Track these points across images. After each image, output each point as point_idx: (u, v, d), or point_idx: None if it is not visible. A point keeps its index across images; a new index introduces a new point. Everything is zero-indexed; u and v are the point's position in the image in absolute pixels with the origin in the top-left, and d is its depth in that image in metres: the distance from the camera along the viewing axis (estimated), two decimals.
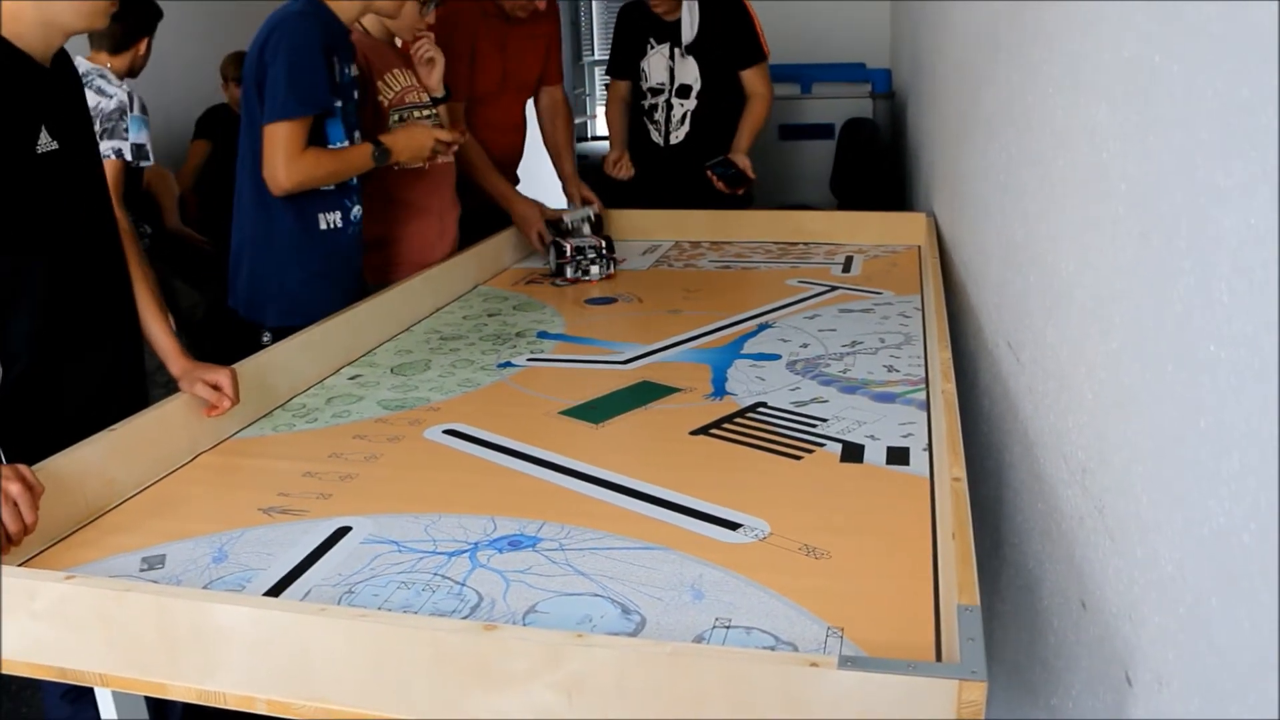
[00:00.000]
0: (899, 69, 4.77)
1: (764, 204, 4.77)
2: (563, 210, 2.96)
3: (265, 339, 2.18)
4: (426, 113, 2.58)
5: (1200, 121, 0.77)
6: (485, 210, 3.08)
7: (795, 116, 4.83)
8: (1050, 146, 1.31)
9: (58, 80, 1.68)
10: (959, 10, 2.39)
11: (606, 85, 3.58)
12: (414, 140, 2.36)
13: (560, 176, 3.26)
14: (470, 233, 2.84)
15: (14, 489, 1.28)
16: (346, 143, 2.27)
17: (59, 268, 1.66)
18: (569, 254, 2.67)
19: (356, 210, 2.35)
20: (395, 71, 2.55)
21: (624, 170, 3.23)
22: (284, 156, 2.14)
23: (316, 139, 2.21)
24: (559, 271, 2.70)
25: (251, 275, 2.28)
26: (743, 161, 3.19)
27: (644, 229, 3.12)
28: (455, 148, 2.46)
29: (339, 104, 2.23)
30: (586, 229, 2.84)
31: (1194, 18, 0.78)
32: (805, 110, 4.84)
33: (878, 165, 4.44)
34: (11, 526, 1.27)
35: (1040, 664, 1.30)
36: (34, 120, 1.59)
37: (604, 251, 2.70)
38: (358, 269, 2.43)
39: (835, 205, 4.50)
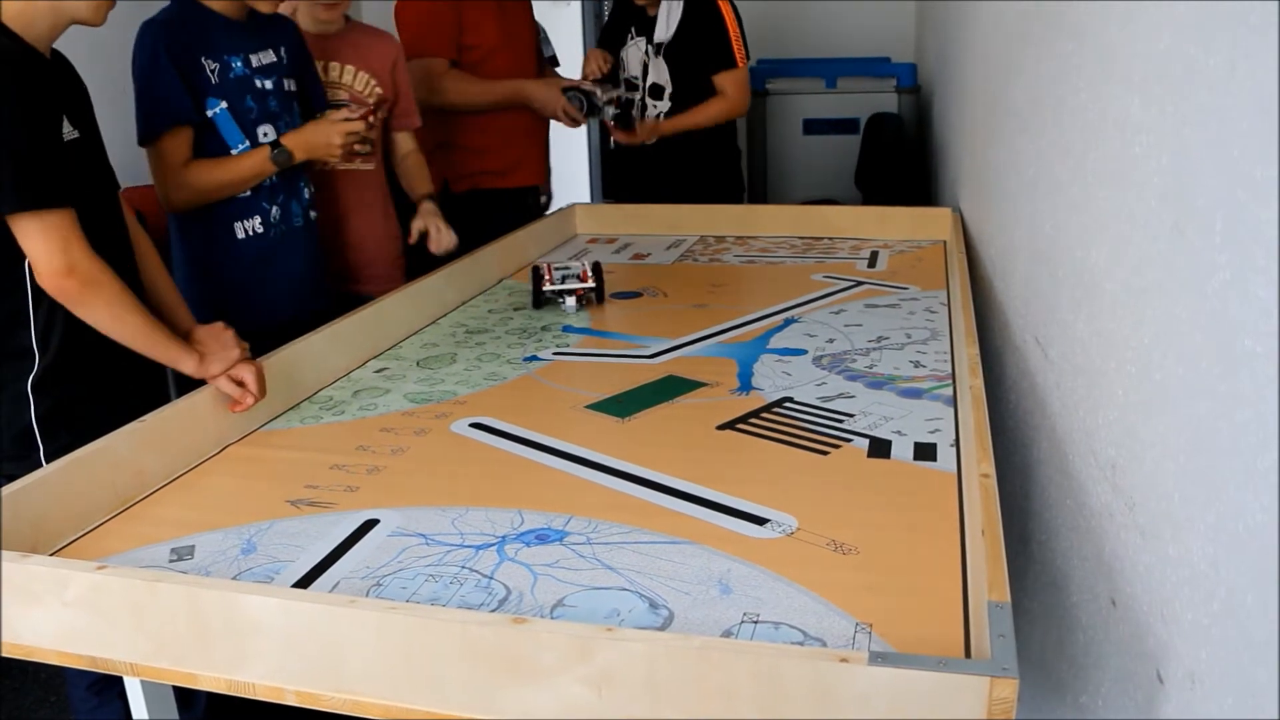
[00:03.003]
0: (924, 63, 4.75)
1: (788, 199, 4.77)
2: (577, 81, 3.18)
3: None
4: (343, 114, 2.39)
5: (1238, 113, 0.76)
6: (501, 199, 3.11)
7: (819, 111, 4.82)
8: (1080, 140, 1.30)
9: (61, 70, 1.69)
10: (986, 4, 2.38)
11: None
12: (317, 136, 2.20)
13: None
14: (489, 222, 2.86)
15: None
16: (247, 144, 2.16)
17: None
18: (602, 102, 3.12)
19: (278, 212, 2.25)
20: (320, 64, 2.50)
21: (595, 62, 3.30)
22: (163, 177, 2.07)
23: (212, 145, 2.12)
24: (592, 112, 3.09)
25: None
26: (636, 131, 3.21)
27: (669, 223, 3.12)
28: (372, 130, 2.30)
29: (221, 104, 2.12)
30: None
31: (1234, 9, 0.77)
32: (829, 105, 4.83)
33: (903, 160, 4.43)
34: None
35: (1068, 661, 1.29)
36: (56, 110, 1.60)
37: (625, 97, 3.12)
38: (299, 272, 2.36)
39: (860, 200, 4.49)
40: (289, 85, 2.27)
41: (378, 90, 2.58)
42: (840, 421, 1.62)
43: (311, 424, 1.72)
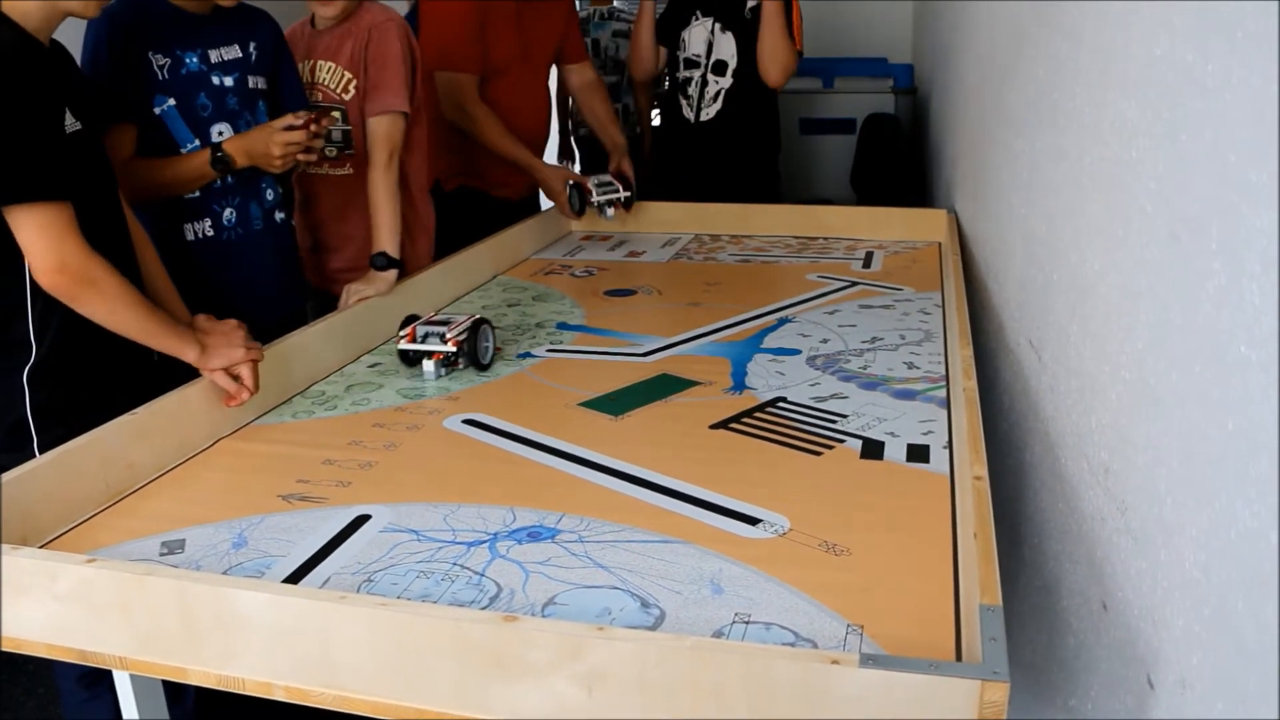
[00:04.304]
0: (921, 64, 4.75)
1: (785, 198, 4.77)
2: (589, 179, 3.13)
3: None
4: (285, 122, 2.16)
5: (1234, 118, 0.76)
6: (501, 203, 3.10)
7: (816, 111, 4.82)
8: (1076, 143, 1.31)
9: (62, 61, 1.69)
10: (984, 5, 2.38)
11: None
12: (256, 145, 2.08)
13: (609, 147, 3.29)
14: (486, 222, 2.84)
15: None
16: (196, 143, 2.08)
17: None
18: (593, 199, 3.07)
19: (232, 214, 2.17)
20: (302, 64, 2.40)
21: None
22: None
23: (161, 143, 2.06)
24: (581, 210, 3.07)
25: None
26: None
27: (664, 221, 3.12)
28: (316, 139, 2.12)
29: (169, 102, 2.04)
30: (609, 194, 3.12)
31: (1229, 15, 0.77)
32: (826, 105, 4.83)
33: (899, 161, 4.43)
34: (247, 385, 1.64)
35: (1059, 665, 1.29)
36: (58, 101, 1.60)
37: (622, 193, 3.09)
38: (262, 276, 2.26)
39: (855, 200, 4.49)
40: (255, 83, 2.18)
41: (355, 86, 2.42)
42: (833, 422, 1.62)
43: (304, 419, 1.71)
